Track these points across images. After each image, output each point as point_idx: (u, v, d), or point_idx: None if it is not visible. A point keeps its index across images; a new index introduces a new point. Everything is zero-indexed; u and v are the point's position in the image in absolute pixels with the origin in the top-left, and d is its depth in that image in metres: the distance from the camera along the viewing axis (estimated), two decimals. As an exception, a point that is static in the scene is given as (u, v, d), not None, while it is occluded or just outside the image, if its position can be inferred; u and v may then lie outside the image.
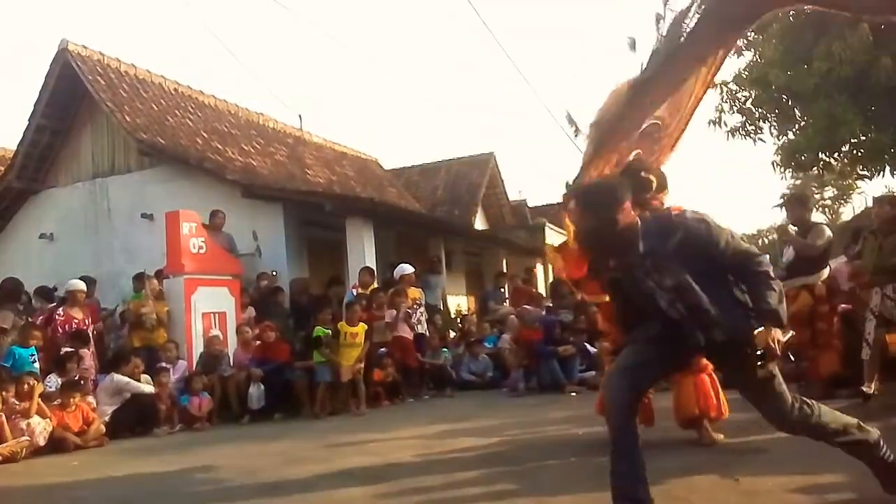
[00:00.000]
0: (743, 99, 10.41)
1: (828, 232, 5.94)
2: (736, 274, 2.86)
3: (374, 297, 8.97)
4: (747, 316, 2.80)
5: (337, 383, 7.78)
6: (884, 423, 4.67)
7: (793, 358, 6.45)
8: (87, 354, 7.69)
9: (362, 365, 7.86)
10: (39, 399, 6.36)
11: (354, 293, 9.18)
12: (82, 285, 8.44)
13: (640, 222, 2.91)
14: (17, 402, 6.29)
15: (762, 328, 2.73)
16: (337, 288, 9.86)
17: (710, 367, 4.51)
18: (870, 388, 5.25)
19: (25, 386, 6.35)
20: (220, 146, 12.21)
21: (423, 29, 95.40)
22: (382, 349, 8.46)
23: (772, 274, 2.81)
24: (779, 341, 2.71)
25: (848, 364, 5.86)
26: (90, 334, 8.05)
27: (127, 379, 7.32)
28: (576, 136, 4.93)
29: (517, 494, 3.48)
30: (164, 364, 7.87)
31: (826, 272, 5.93)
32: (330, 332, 7.99)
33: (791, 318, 5.79)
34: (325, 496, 3.84)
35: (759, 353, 2.72)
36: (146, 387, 7.39)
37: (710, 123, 10.44)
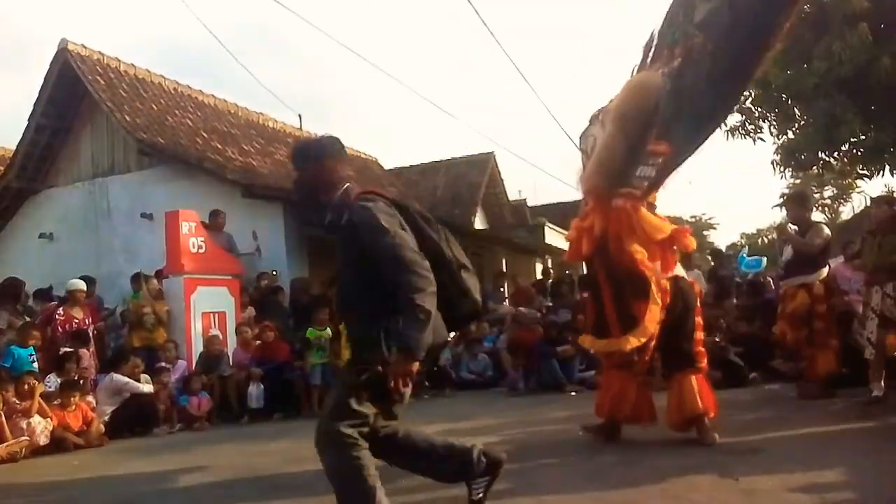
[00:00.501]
0: (742, 98, 10.39)
1: (826, 231, 5.96)
2: (391, 289, 2.53)
3: (374, 296, 8.95)
4: (379, 342, 2.55)
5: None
6: (883, 422, 4.70)
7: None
8: (87, 354, 7.68)
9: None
10: (40, 398, 6.37)
11: (355, 293, 9.17)
12: (83, 285, 8.43)
13: (342, 190, 2.74)
14: (17, 402, 6.29)
15: (394, 360, 2.50)
16: (337, 288, 9.84)
17: (706, 367, 4.52)
18: (880, 389, 5.26)
19: (26, 385, 6.35)
20: (219, 146, 12.19)
21: (424, 29, 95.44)
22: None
23: (419, 301, 2.45)
24: (407, 375, 2.49)
25: (845, 363, 5.87)
26: (90, 334, 8.05)
27: (126, 379, 7.32)
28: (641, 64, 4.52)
29: (517, 494, 3.48)
30: (163, 364, 7.87)
31: (825, 271, 5.94)
32: (327, 330, 7.99)
33: (789, 317, 5.89)
34: (324, 496, 3.83)
35: (380, 387, 2.54)
36: (145, 386, 7.38)
37: (710, 123, 10.42)
